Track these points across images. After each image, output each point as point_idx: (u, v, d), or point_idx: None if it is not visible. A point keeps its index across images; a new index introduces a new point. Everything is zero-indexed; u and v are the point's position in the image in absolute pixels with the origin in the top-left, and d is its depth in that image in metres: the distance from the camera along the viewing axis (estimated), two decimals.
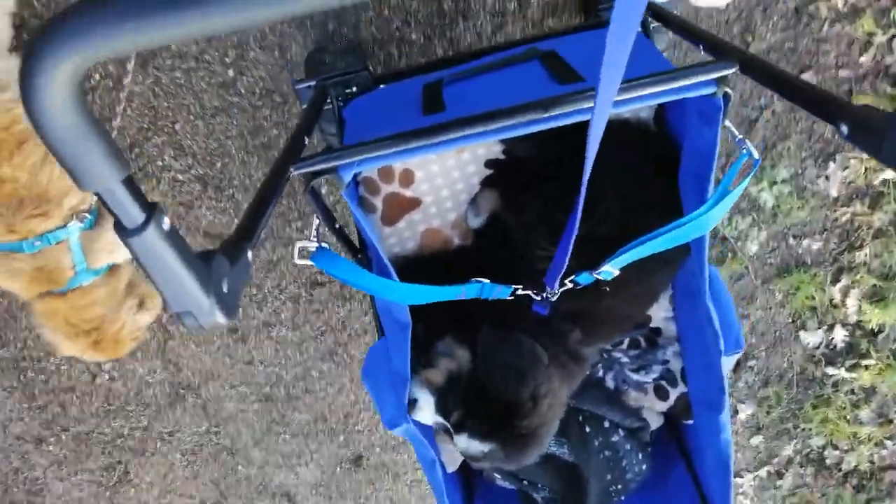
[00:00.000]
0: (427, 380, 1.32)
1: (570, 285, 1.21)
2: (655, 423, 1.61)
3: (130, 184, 0.59)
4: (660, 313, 1.57)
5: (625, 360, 1.58)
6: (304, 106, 1.57)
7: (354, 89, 1.46)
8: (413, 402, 1.32)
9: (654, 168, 1.33)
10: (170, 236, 0.62)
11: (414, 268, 1.45)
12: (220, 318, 0.69)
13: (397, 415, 1.29)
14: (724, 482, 1.38)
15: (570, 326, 1.32)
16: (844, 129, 0.77)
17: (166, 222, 0.62)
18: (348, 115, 1.39)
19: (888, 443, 2.67)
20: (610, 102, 0.83)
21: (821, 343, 2.44)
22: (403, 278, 1.17)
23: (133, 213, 0.59)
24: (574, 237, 1.03)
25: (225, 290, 0.71)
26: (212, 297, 0.67)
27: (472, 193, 1.43)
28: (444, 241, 1.47)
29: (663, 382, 1.58)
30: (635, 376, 1.57)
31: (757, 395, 2.60)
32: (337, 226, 1.30)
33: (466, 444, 1.29)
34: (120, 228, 0.60)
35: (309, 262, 1.15)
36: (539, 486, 1.58)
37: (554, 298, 1.24)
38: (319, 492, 2.85)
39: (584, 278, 1.19)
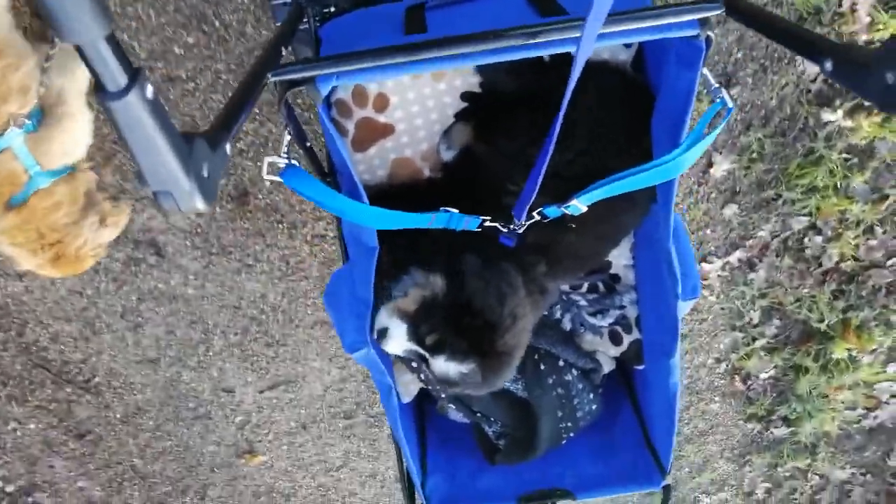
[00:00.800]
0: (399, 308, 1.33)
1: (537, 217, 1.22)
2: (608, 366, 1.66)
3: (114, 43, 0.56)
4: (620, 261, 1.61)
5: (583, 303, 1.61)
6: (279, 23, 1.52)
7: (332, 9, 1.42)
8: (383, 332, 1.32)
9: (629, 111, 1.34)
10: (153, 105, 0.60)
11: (383, 197, 1.44)
12: (199, 203, 0.68)
13: (359, 339, 1.29)
14: (669, 423, 1.44)
15: (536, 258, 1.34)
16: (828, 65, 0.79)
17: (150, 90, 0.60)
18: (325, 34, 1.35)
19: (878, 230, 2.33)
20: (595, 33, 0.83)
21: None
22: (375, 205, 1.16)
23: (116, 75, 0.57)
24: (544, 170, 1.04)
25: (205, 174, 0.69)
26: (192, 179, 0.66)
27: (445, 125, 1.42)
28: (414, 171, 1.46)
29: (618, 328, 1.62)
30: (592, 320, 1.61)
31: (738, 142, 2.20)
32: (307, 144, 1.27)
33: (445, 367, 1.31)
34: (101, 91, 0.58)
35: (277, 179, 1.13)
36: (492, 419, 1.61)
37: (521, 231, 1.25)
38: (194, 243, 2.18)
39: (552, 212, 1.21)
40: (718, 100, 1.10)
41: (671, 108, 1.20)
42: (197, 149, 0.68)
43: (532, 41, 0.99)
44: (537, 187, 1.10)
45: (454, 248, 1.31)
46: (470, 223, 1.24)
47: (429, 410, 1.77)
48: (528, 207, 1.17)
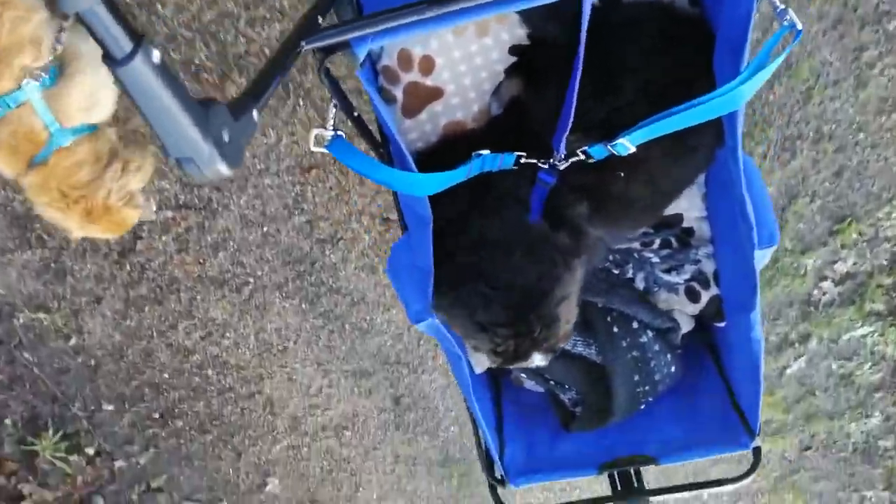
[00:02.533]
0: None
1: (581, 156, 1.16)
2: (686, 325, 1.58)
3: (114, 8, 0.56)
4: (692, 213, 1.51)
5: (656, 260, 1.54)
6: None
7: None
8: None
9: (690, 50, 1.25)
10: (161, 70, 0.59)
11: (431, 159, 1.41)
12: (222, 167, 0.67)
13: (421, 309, 1.27)
14: (754, 383, 1.35)
15: (576, 197, 1.27)
16: None
17: (156, 55, 0.59)
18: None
19: None
20: None
21: None
22: (426, 171, 1.13)
23: (120, 40, 0.57)
24: (577, 88, 1.00)
25: (226, 139, 0.68)
26: (210, 143, 0.65)
27: (496, 83, 1.37)
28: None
29: (695, 284, 1.54)
30: (666, 277, 1.53)
31: None
32: (356, 114, 1.26)
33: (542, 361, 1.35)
34: (108, 58, 0.58)
35: (324, 150, 1.13)
36: (566, 386, 1.57)
37: (562, 166, 1.20)
38: None
39: (598, 151, 1.14)
40: (786, 22, 1.01)
41: (731, 36, 1.11)
42: (215, 114, 0.67)
43: None
44: (572, 110, 1.05)
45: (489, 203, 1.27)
46: (505, 161, 1.20)
47: (503, 381, 1.74)
48: (566, 137, 1.11)
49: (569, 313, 1.32)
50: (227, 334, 2.58)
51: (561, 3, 0.94)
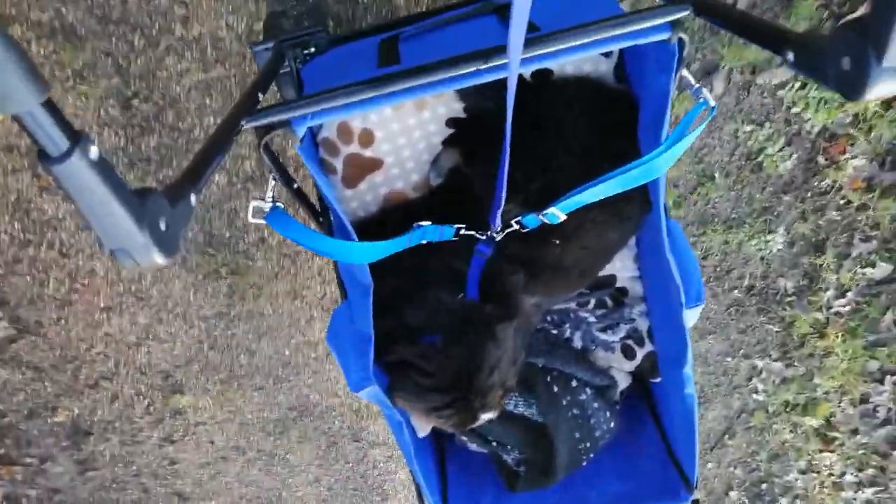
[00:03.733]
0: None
1: (516, 227, 1.22)
2: (624, 382, 1.62)
3: (52, 107, 0.57)
4: (625, 273, 1.58)
5: (592, 319, 1.58)
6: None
7: (313, 50, 1.44)
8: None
9: (615, 123, 1.32)
10: (98, 166, 0.60)
11: (375, 228, 1.44)
12: (158, 257, 0.68)
13: (363, 377, 1.28)
14: (690, 437, 1.39)
15: (512, 268, 1.33)
16: (790, 56, 0.77)
17: (94, 151, 0.60)
18: (306, 75, 1.37)
19: None
20: (519, 50, 0.82)
21: None
22: (367, 240, 1.16)
23: (56, 139, 0.57)
24: (506, 169, 1.04)
25: (163, 228, 0.69)
26: (146, 234, 0.66)
27: (434, 154, 1.42)
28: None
29: (630, 342, 1.59)
30: (602, 336, 1.58)
31: None
32: (295, 186, 1.28)
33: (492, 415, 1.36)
34: (43, 157, 0.59)
35: (263, 222, 1.14)
36: (508, 447, 1.58)
37: (498, 238, 1.25)
38: None
39: (530, 220, 1.20)
40: (701, 100, 1.08)
41: (652, 112, 1.18)
42: (152, 204, 0.68)
43: (486, 65, 0.98)
44: (504, 187, 1.10)
45: (429, 275, 1.31)
46: (445, 233, 1.25)
47: (447, 444, 1.75)
48: (500, 212, 1.17)
49: (503, 379, 1.35)
50: None
51: (495, 81, 1.00)
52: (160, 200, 0.70)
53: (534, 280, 1.35)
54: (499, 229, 1.23)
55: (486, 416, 1.36)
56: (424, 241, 1.24)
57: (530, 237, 1.24)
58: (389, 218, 1.44)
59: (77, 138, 0.59)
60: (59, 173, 0.59)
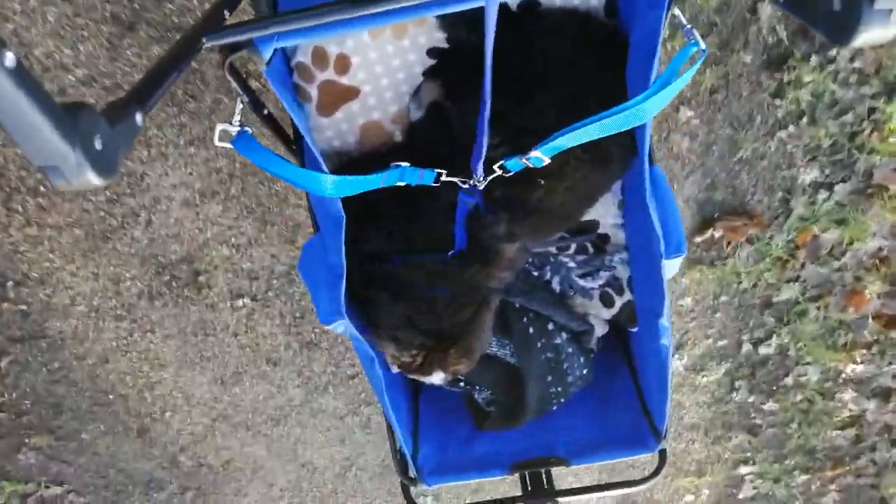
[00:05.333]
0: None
1: (499, 172, 1.17)
2: (601, 329, 1.60)
3: None
4: (608, 219, 1.54)
5: (572, 264, 1.55)
6: None
7: None
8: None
9: (602, 60, 1.26)
10: (15, 74, 0.56)
11: (351, 165, 1.39)
12: (93, 177, 0.64)
13: (333, 310, 1.26)
14: (662, 388, 1.38)
15: (494, 218, 1.28)
16: None
17: (10, 57, 0.55)
18: None
19: None
20: None
21: None
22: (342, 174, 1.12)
23: None
24: (488, 116, 1.00)
25: (98, 147, 0.65)
26: (78, 152, 0.62)
27: (413, 85, 1.36)
28: (385, 135, 1.40)
29: (609, 289, 1.56)
30: (581, 282, 1.55)
31: None
32: (266, 111, 1.22)
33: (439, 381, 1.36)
34: None
35: (229, 146, 1.10)
36: (478, 387, 1.58)
37: (481, 186, 1.20)
38: None
39: (514, 164, 1.15)
40: (692, 41, 1.03)
41: (641, 51, 1.12)
42: (84, 120, 0.63)
43: None
44: (485, 134, 1.05)
45: (411, 216, 1.27)
46: (425, 177, 1.20)
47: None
48: (483, 159, 1.12)
49: (483, 343, 1.34)
50: None
51: (479, 10, 0.94)
52: (94, 116, 0.65)
53: (518, 224, 1.31)
54: (481, 177, 1.19)
55: (437, 377, 1.35)
56: (402, 184, 1.20)
57: (513, 180, 1.19)
58: (368, 158, 1.39)
59: None
60: None
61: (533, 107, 1.22)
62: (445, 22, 1.29)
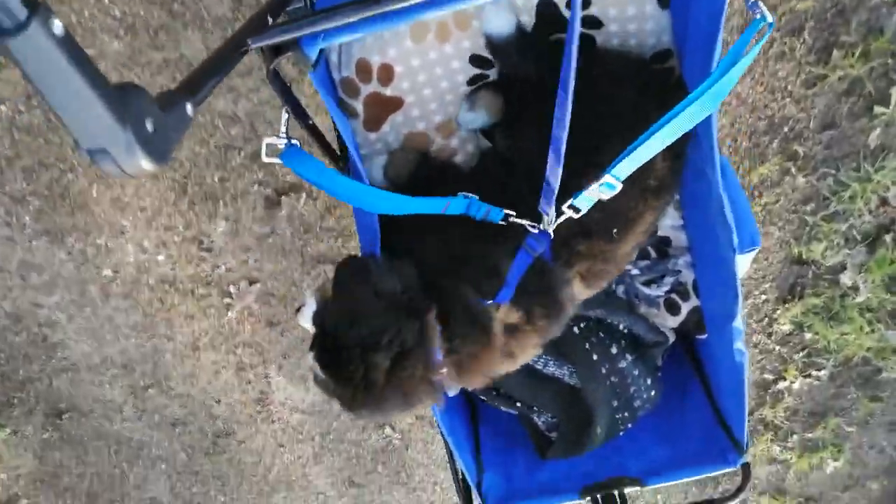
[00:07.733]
0: None
1: (569, 213, 1.09)
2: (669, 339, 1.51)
3: None
4: (667, 221, 1.46)
5: (635, 272, 1.47)
6: None
7: None
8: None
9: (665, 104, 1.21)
10: (64, 43, 0.52)
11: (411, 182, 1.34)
12: (145, 162, 0.60)
13: None
14: (739, 397, 1.28)
15: (565, 273, 1.19)
16: None
17: (58, 25, 0.52)
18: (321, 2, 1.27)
19: None
20: None
21: None
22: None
23: (10, 6, 0.49)
24: (563, 146, 0.95)
25: (150, 129, 0.61)
26: (129, 132, 0.57)
27: (457, 95, 1.32)
28: (429, 146, 1.36)
29: (674, 296, 1.48)
30: (646, 290, 1.47)
31: None
32: (310, 122, 1.19)
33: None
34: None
35: (278, 161, 1.07)
36: (536, 408, 1.49)
37: (551, 228, 1.13)
38: None
39: (584, 200, 1.07)
40: (758, 16, 0.97)
41: (702, 39, 1.07)
42: (136, 100, 0.59)
43: None
44: (560, 165, 0.99)
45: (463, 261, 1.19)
46: (493, 214, 1.14)
47: (478, 403, 1.66)
48: (554, 198, 1.05)
49: None
50: None
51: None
52: (145, 98, 0.61)
53: (590, 280, 1.22)
54: (553, 220, 1.11)
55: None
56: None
57: (589, 230, 1.13)
58: (422, 172, 1.34)
59: (35, 7, 0.50)
60: (15, 48, 0.50)
61: (597, 145, 1.15)
62: (496, 50, 1.26)
